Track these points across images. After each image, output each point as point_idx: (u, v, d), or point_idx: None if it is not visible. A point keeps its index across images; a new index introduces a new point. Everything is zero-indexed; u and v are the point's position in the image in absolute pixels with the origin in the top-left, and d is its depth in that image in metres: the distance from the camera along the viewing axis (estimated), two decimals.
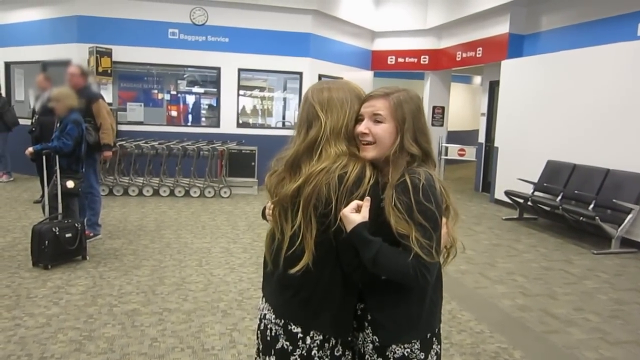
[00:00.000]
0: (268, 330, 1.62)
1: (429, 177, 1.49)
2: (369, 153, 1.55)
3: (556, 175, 7.66)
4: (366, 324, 1.61)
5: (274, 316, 1.61)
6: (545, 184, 7.66)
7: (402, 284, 1.51)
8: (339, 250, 1.52)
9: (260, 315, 1.68)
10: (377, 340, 1.59)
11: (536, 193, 7.70)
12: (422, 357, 1.60)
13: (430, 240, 1.44)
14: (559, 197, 7.19)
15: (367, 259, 1.46)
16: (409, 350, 1.58)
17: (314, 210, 1.49)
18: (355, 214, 1.46)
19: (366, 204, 1.47)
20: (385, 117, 1.55)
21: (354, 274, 1.53)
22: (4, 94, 10.14)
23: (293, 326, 1.57)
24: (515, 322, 4.09)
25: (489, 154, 10.49)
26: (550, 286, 4.94)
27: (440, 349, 1.69)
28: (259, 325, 1.68)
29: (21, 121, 9.61)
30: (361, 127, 1.56)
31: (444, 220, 1.57)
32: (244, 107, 11.13)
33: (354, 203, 1.47)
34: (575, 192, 6.93)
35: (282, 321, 1.58)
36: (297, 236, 1.51)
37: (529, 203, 7.54)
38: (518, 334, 3.87)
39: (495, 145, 9.66)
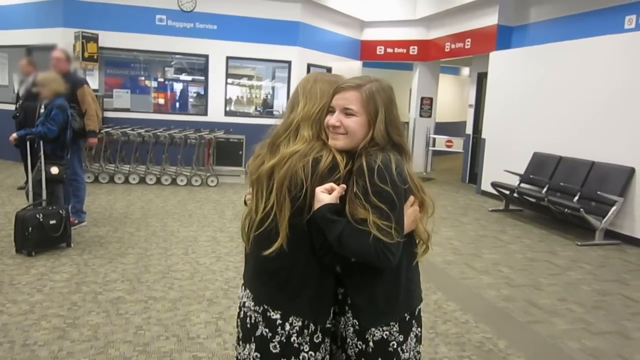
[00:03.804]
0: (247, 318, 1.63)
1: (386, 158, 1.50)
2: (339, 142, 1.56)
3: (542, 167, 7.72)
4: (347, 308, 1.63)
5: (252, 303, 1.62)
6: (531, 176, 7.72)
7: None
8: (311, 233, 1.54)
9: (240, 303, 1.70)
10: (357, 323, 1.61)
11: (522, 185, 7.76)
12: (401, 340, 1.63)
13: (388, 220, 1.46)
14: (545, 189, 7.25)
15: (332, 239, 1.48)
16: (387, 332, 1.61)
17: (287, 192, 1.52)
18: (325, 194, 1.48)
19: (340, 189, 1.49)
20: (357, 111, 1.55)
21: (325, 257, 1.55)
22: None
23: (272, 312, 1.58)
24: (500, 312, 4.13)
25: (476, 145, 10.53)
26: (534, 277, 5.00)
27: (420, 332, 1.72)
28: (239, 314, 1.70)
29: (5, 106, 9.47)
30: (332, 120, 1.56)
31: (411, 201, 1.59)
32: (233, 96, 11.05)
33: (328, 184, 1.49)
34: (561, 184, 6.99)
35: (261, 308, 1.59)
36: (268, 216, 1.55)
37: (515, 195, 7.60)
38: (503, 324, 3.91)
39: (483, 136, 9.70)
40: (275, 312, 1.57)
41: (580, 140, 7.22)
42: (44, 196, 5.00)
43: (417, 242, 1.68)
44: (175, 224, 6.22)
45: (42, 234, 4.78)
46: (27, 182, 5.51)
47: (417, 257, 1.68)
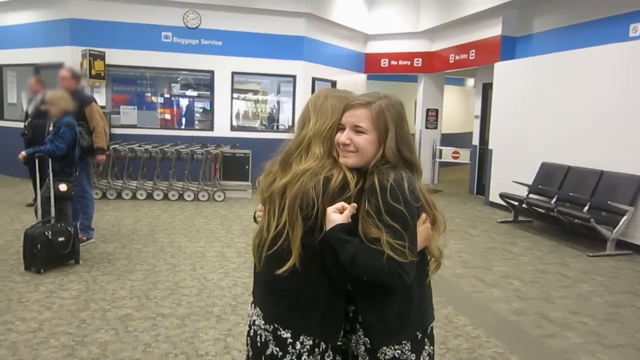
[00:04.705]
0: (258, 337, 1.62)
1: (398, 177, 1.49)
2: (350, 159, 1.55)
3: (550, 177, 7.68)
4: (358, 326, 1.61)
5: (263, 322, 1.61)
6: (539, 186, 7.67)
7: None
8: (322, 252, 1.53)
9: (250, 321, 1.69)
10: (369, 342, 1.59)
11: (531, 195, 7.70)
12: (413, 358, 1.60)
13: (402, 240, 1.44)
14: (554, 200, 7.19)
15: (345, 259, 1.47)
16: (399, 351, 1.58)
17: (299, 211, 1.51)
18: (337, 214, 1.47)
19: (351, 209, 1.48)
20: (367, 129, 1.54)
21: (337, 275, 1.53)
22: None
23: (282, 331, 1.56)
24: (511, 326, 4.08)
25: (483, 156, 10.50)
26: (546, 289, 4.94)
27: (433, 350, 1.69)
28: (249, 332, 1.69)
29: (14, 124, 9.56)
30: (342, 138, 1.55)
31: (423, 219, 1.57)
32: (239, 111, 11.10)
33: (339, 204, 1.48)
34: (570, 194, 6.93)
35: (272, 327, 1.58)
36: (281, 235, 1.53)
37: (524, 205, 7.55)
38: (514, 339, 3.86)
39: (490, 147, 9.67)
40: (286, 331, 1.56)
41: (588, 149, 7.17)
42: (53, 213, 5.02)
43: (429, 259, 1.66)
44: (182, 240, 6.22)
45: (50, 251, 4.79)
46: (35, 199, 5.54)
47: (429, 275, 1.66)
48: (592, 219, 6.18)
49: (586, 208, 6.54)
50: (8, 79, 10.93)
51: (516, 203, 7.80)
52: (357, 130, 1.54)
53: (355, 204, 1.49)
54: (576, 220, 6.44)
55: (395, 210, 1.45)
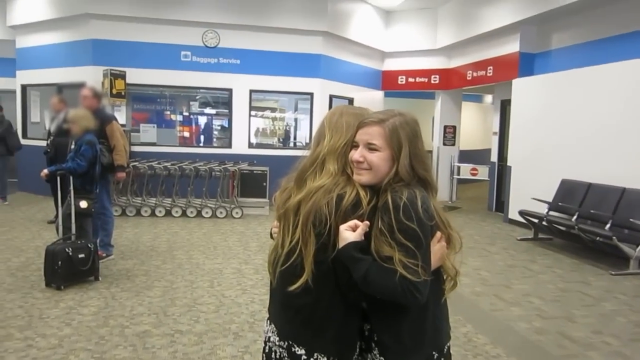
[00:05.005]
0: (273, 353, 1.63)
1: (411, 195, 1.48)
2: (363, 177, 1.55)
3: (571, 194, 7.56)
4: (373, 345, 1.60)
5: (277, 338, 1.61)
6: (560, 204, 7.55)
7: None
8: (336, 270, 1.53)
9: (265, 337, 1.70)
10: None
11: (551, 213, 7.58)
12: None
13: (415, 259, 1.43)
14: (575, 217, 7.07)
15: (358, 277, 1.46)
16: None
17: (312, 227, 1.51)
18: (349, 232, 1.47)
19: (363, 226, 1.48)
20: (380, 146, 1.54)
21: (350, 293, 1.53)
22: (19, 117, 10.33)
23: (297, 348, 1.56)
24: (532, 345, 4.00)
25: (502, 173, 10.41)
26: (567, 308, 4.84)
27: None
28: (264, 348, 1.70)
29: (37, 142, 9.77)
30: (356, 155, 1.56)
31: (438, 237, 1.56)
32: (257, 129, 11.20)
33: (352, 222, 1.48)
34: (591, 211, 6.81)
35: (286, 343, 1.58)
36: (294, 252, 1.54)
37: (544, 223, 7.44)
38: (535, 358, 3.78)
39: (508, 164, 9.59)
40: (300, 348, 1.56)
41: (609, 166, 7.06)
42: (73, 230, 5.09)
43: (444, 278, 1.65)
44: (200, 257, 6.25)
45: (71, 268, 4.85)
46: (57, 216, 5.62)
47: (444, 294, 1.65)
48: (614, 237, 6.06)
49: (608, 226, 6.41)
50: (32, 98, 11.20)
51: (536, 220, 7.69)
52: (371, 147, 1.55)
53: (367, 222, 1.49)
54: (598, 238, 6.32)
55: (408, 228, 1.44)
